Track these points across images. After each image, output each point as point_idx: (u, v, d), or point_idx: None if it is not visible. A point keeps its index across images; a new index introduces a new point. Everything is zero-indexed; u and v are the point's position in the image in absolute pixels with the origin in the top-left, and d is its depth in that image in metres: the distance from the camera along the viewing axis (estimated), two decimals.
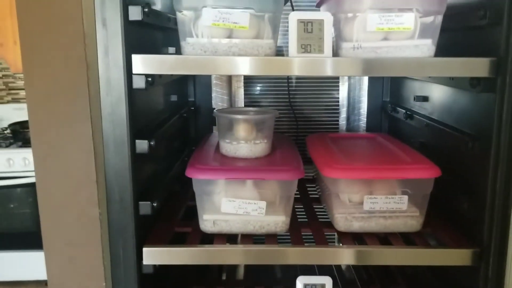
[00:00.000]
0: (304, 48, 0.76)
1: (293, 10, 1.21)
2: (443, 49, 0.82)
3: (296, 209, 1.01)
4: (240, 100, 1.35)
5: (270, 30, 0.80)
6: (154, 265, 0.82)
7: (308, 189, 1.16)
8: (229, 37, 0.78)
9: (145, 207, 0.80)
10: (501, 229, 0.76)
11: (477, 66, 0.75)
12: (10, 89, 2.10)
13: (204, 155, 0.95)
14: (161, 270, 0.86)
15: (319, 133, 1.19)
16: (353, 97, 1.36)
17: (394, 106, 1.25)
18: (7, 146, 1.77)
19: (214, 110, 1.01)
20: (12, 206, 1.75)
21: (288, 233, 0.88)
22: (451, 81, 0.89)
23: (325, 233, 0.89)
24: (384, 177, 0.85)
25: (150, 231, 0.88)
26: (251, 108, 1.06)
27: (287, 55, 0.78)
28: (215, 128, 1.24)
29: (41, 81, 0.74)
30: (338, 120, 1.37)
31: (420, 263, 0.84)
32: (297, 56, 0.76)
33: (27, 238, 1.75)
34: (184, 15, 0.79)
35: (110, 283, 0.80)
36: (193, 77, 1.32)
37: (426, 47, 0.78)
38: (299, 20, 0.76)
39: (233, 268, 1.25)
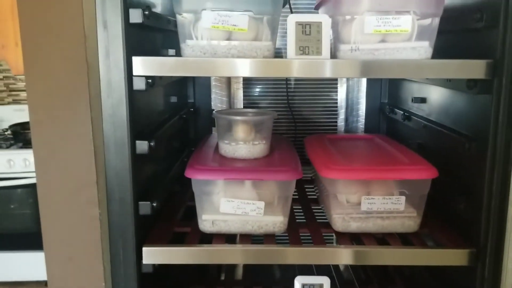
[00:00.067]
0: (302, 50, 0.77)
1: (291, 12, 1.22)
2: (441, 51, 0.83)
3: (295, 210, 1.02)
4: (239, 102, 1.36)
5: (268, 32, 0.80)
6: (154, 265, 0.83)
7: (307, 190, 1.16)
8: (228, 39, 0.79)
9: (145, 207, 0.81)
10: (497, 229, 0.77)
11: (473, 68, 0.76)
12: (10, 91, 2.10)
13: (203, 155, 0.96)
14: (161, 269, 0.86)
15: (317, 134, 1.20)
16: (351, 98, 1.37)
17: (392, 107, 1.26)
18: (7, 147, 1.78)
19: (213, 112, 1.02)
20: (12, 206, 1.75)
21: (286, 233, 0.89)
22: (448, 83, 0.90)
23: (323, 234, 0.90)
24: (382, 178, 0.85)
25: (150, 231, 0.89)
26: (249, 110, 1.07)
27: (286, 57, 0.79)
28: (214, 129, 1.25)
29: (42, 82, 0.75)
30: (336, 122, 1.38)
31: (417, 263, 0.85)
32: (295, 58, 0.77)
33: (27, 239, 1.76)
34: (184, 18, 0.80)
35: (110, 283, 0.81)
36: (193, 78, 1.33)
37: (423, 49, 0.78)
38: (297, 22, 0.77)
39: (232, 268, 1.26)
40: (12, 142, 1.83)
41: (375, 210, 0.86)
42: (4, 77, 2.06)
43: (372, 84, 1.35)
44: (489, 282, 0.79)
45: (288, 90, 1.36)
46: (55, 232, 0.80)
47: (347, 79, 1.36)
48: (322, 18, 0.77)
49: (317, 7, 0.95)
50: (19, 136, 1.84)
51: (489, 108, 0.76)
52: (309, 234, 0.90)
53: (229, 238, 0.88)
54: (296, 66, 0.76)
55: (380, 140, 1.10)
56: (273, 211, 0.86)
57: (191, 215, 0.95)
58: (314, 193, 1.14)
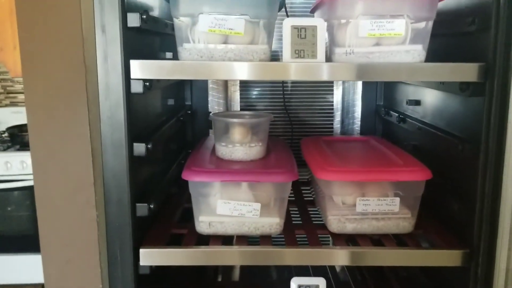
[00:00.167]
0: (298, 53, 0.78)
1: (287, 16, 1.24)
2: (434, 54, 0.84)
3: (291, 211, 1.03)
4: (236, 104, 1.37)
5: (265, 36, 0.81)
6: (151, 266, 0.83)
7: (303, 191, 1.17)
8: (225, 42, 0.80)
9: (142, 209, 0.81)
10: (490, 230, 0.78)
11: (466, 71, 0.77)
12: (8, 93, 2.10)
13: (200, 157, 0.96)
14: (158, 271, 0.87)
15: (313, 136, 1.21)
16: (347, 100, 1.38)
17: (388, 109, 1.27)
18: (5, 150, 1.78)
19: (210, 114, 1.02)
20: (9, 209, 1.75)
21: (282, 235, 0.90)
22: (441, 86, 0.91)
23: (318, 235, 0.90)
24: (377, 180, 0.86)
25: (147, 233, 0.89)
26: (246, 112, 1.08)
27: (282, 60, 0.80)
28: (211, 131, 1.26)
29: (40, 85, 0.75)
30: (332, 124, 1.39)
31: (412, 264, 0.86)
32: (291, 61, 0.78)
33: (24, 241, 1.75)
34: (181, 21, 0.81)
35: (107, 285, 0.81)
36: (190, 81, 1.34)
37: (417, 52, 0.80)
38: (293, 26, 0.78)
39: (228, 270, 1.26)
40: (9, 144, 1.83)
41: (370, 212, 0.87)
42: (1, 79, 2.06)
43: (368, 86, 1.36)
44: (482, 282, 0.80)
45: (285, 92, 1.37)
46: (53, 234, 0.80)
47: (343, 82, 1.37)
48: (317, 22, 0.79)
49: (312, 11, 0.96)
50: (16, 138, 1.84)
51: (481, 110, 0.77)
52: (305, 235, 0.91)
53: (225, 240, 0.89)
54: (292, 70, 0.77)
55: (375, 142, 1.11)
56: (269, 213, 0.87)
57: (188, 216, 0.95)
58: (310, 195, 1.15)
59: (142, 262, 0.82)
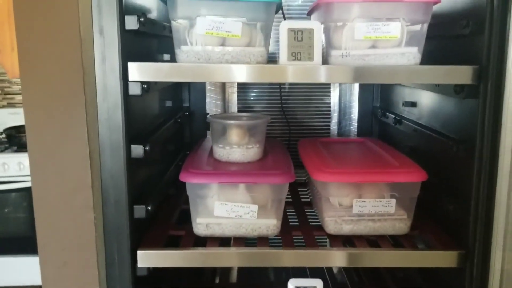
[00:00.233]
0: (295, 56, 0.79)
1: (284, 18, 1.24)
2: (430, 56, 0.85)
3: (288, 213, 1.03)
4: (234, 105, 1.37)
5: (262, 38, 0.82)
6: (148, 268, 0.83)
7: (300, 193, 1.18)
8: (222, 45, 0.81)
9: (140, 210, 0.82)
10: (485, 230, 0.79)
11: (460, 74, 0.78)
12: (5, 94, 2.10)
13: (198, 159, 0.97)
14: (155, 273, 0.87)
15: (310, 138, 1.21)
16: (344, 102, 1.39)
17: (384, 111, 1.28)
18: (2, 151, 1.78)
19: (208, 116, 1.03)
20: (6, 210, 1.75)
21: (280, 236, 0.90)
22: (436, 88, 0.92)
23: (315, 237, 0.91)
24: (373, 181, 0.87)
25: (144, 234, 0.90)
26: (243, 114, 1.08)
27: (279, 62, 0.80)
28: (209, 132, 1.26)
29: (38, 86, 0.76)
30: (329, 125, 1.40)
31: (408, 265, 0.86)
32: (288, 64, 0.79)
33: (21, 243, 1.75)
34: (179, 24, 0.81)
35: (105, 286, 0.81)
36: (188, 83, 1.34)
37: (412, 55, 0.80)
38: (289, 29, 0.79)
39: (226, 271, 1.27)
40: (6, 145, 1.83)
41: (367, 213, 0.87)
42: None
43: (365, 88, 1.37)
44: (477, 282, 0.80)
45: (282, 94, 1.37)
46: (50, 235, 0.80)
47: (340, 84, 1.37)
48: (314, 25, 0.79)
49: (309, 13, 0.97)
50: (13, 139, 1.84)
51: (476, 112, 0.77)
52: (302, 237, 0.92)
53: (223, 241, 0.89)
54: (289, 72, 0.78)
55: (372, 143, 1.12)
56: (266, 214, 0.88)
57: (186, 218, 0.96)
58: (307, 196, 1.15)
59: (139, 264, 0.82)
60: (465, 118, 0.83)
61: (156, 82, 0.89)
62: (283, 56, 0.79)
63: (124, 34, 0.75)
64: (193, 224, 0.89)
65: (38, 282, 0.82)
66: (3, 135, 1.89)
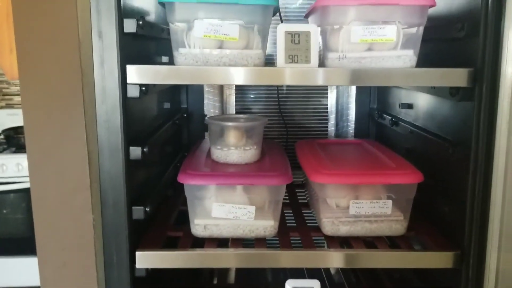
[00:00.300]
0: (292, 58, 0.80)
1: (281, 21, 1.25)
2: (426, 59, 0.86)
3: (286, 214, 1.04)
4: (232, 107, 1.38)
5: (259, 41, 0.83)
6: (147, 269, 0.84)
7: (297, 194, 1.18)
8: (220, 47, 0.81)
9: (138, 212, 0.82)
10: (480, 231, 0.79)
11: (455, 76, 0.78)
12: (4, 95, 2.10)
13: (196, 161, 0.97)
14: (154, 274, 0.87)
15: (308, 139, 1.22)
16: (341, 104, 1.40)
17: (381, 113, 1.29)
18: (0, 152, 1.78)
19: (206, 117, 1.03)
20: (5, 211, 1.75)
21: (277, 237, 0.91)
22: (432, 90, 0.93)
23: (313, 238, 0.91)
24: (369, 183, 0.88)
25: (143, 235, 0.90)
26: (241, 115, 1.09)
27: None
28: (207, 134, 1.27)
29: (36, 88, 0.76)
30: (327, 127, 1.40)
31: (404, 265, 0.87)
32: (285, 66, 0.79)
33: (20, 244, 1.75)
34: (177, 27, 0.82)
35: (103, 287, 0.82)
36: (186, 85, 1.35)
37: (408, 57, 0.81)
38: (286, 32, 0.79)
39: (224, 272, 1.27)
40: (5, 146, 1.83)
41: (363, 214, 0.88)
42: None
43: (362, 90, 1.37)
44: (473, 283, 0.81)
45: (280, 96, 1.38)
46: (49, 236, 0.80)
47: (337, 85, 1.38)
48: (311, 27, 0.80)
49: (306, 16, 0.97)
50: (12, 140, 1.84)
51: (471, 115, 0.78)
52: (299, 238, 0.92)
53: (221, 242, 0.90)
54: (286, 74, 0.79)
55: (368, 145, 1.13)
56: (264, 215, 0.88)
57: (184, 219, 0.96)
58: (305, 197, 1.16)
59: (138, 265, 0.83)
60: (461, 120, 0.84)
61: (154, 85, 0.89)
62: (280, 58, 0.80)
63: (123, 37, 0.75)
64: (191, 225, 0.89)
65: (37, 283, 0.82)
66: (2, 136, 1.89)
